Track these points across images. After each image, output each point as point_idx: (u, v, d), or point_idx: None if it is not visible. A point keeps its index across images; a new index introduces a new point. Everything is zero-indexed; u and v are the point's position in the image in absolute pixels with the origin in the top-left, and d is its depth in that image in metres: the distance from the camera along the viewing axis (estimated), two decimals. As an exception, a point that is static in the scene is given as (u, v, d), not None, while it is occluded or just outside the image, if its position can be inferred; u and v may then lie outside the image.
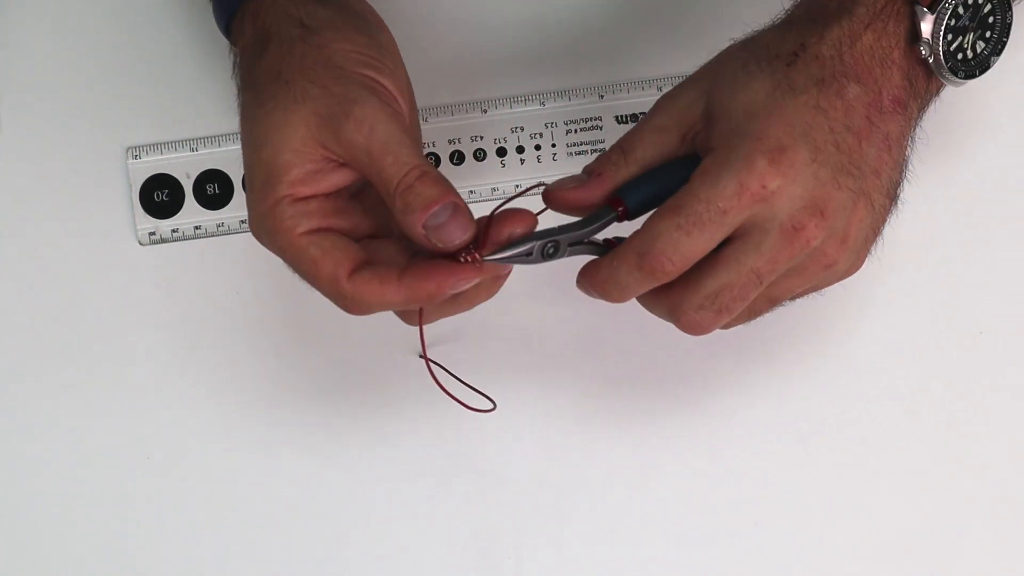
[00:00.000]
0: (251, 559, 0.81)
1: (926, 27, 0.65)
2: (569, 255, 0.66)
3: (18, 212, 0.82)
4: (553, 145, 0.83)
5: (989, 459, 0.81)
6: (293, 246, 0.64)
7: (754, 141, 0.62)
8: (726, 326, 0.67)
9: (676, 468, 0.81)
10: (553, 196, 0.67)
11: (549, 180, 0.82)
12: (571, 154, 0.83)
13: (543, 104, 0.83)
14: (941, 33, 0.65)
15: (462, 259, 0.63)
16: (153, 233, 0.82)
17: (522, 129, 0.83)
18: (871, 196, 0.64)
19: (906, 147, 0.66)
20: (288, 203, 0.63)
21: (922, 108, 0.68)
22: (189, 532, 0.81)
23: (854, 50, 0.64)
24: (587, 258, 0.67)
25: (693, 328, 0.66)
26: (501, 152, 0.83)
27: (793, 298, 0.68)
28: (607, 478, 0.81)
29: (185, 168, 0.82)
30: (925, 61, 0.65)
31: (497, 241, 0.64)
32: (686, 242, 0.62)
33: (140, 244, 0.82)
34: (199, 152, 0.82)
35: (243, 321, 0.82)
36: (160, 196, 0.82)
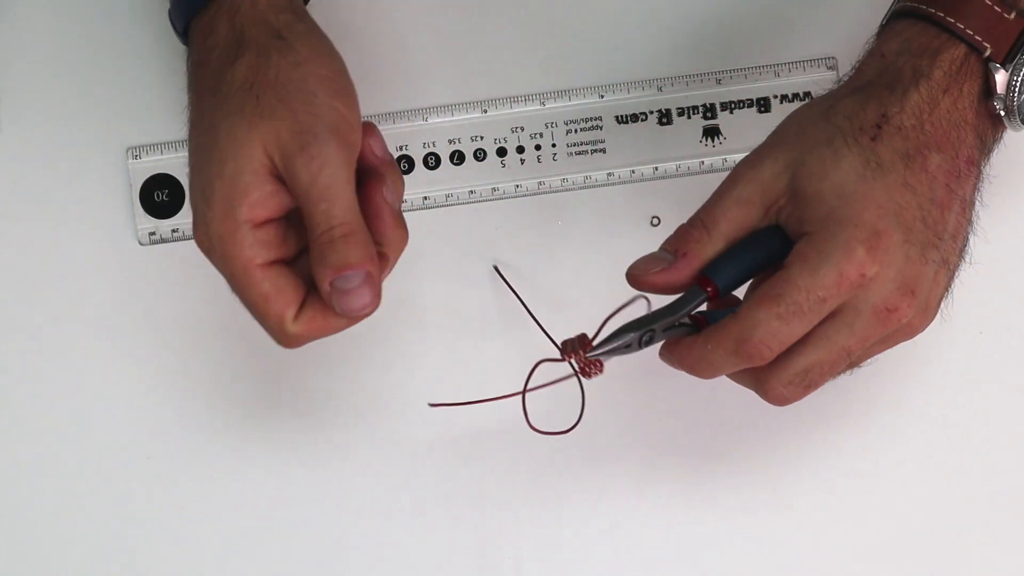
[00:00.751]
0: (251, 559, 0.81)
1: (1000, 81, 0.65)
2: (663, 339, 0.67)
3: (18, 212, 0.82)
4: (553, 145, 0.83)
5: (989, 459, 0.81)
6: (247, 277, 0.64)
7: (851, 228, 0.63)
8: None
9: (676, 468, 0.81)
10: (640, 281, 0.67)
11: (549, 181, 0.83)
12: (571, 154, 0.83)
13: (543, 104, 0.83)
14: (1017, 86, 0.66)
15: (568, 360, 0.66)
16: (153, 233, 0.82)
17: (522, 129, 0.83)
18: (949, 261, 0.66)
19: (976, 202, 0.67)
20: (248, 229, 0.64)
21: (989, 159, 0.68)
22: (189, 532, 0.81)
23: (933, 117, 0.65)
24: None
25: (780, 402, 0.67)
26: (501, 152, 0.83)
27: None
28: (607, 478, 0.81)
29: (185, 168, 0.82)
30: (997, 115, 0.66)
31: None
32: (784, 330, 0.63)
33: (140, 244, 0.82)
34: (199, 152, 0.82)
35: (243, 321, 0.81)
36: (160, 196, 0.82)
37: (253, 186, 0.64)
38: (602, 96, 0.83)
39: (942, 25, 0.65)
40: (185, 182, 0.82)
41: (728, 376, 0.68)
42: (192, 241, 0.82)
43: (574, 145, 0.83)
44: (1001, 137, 0.68)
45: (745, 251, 0.65)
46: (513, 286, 0.81)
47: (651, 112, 0.83)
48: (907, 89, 0.65)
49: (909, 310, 0.64)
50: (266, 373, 0.81)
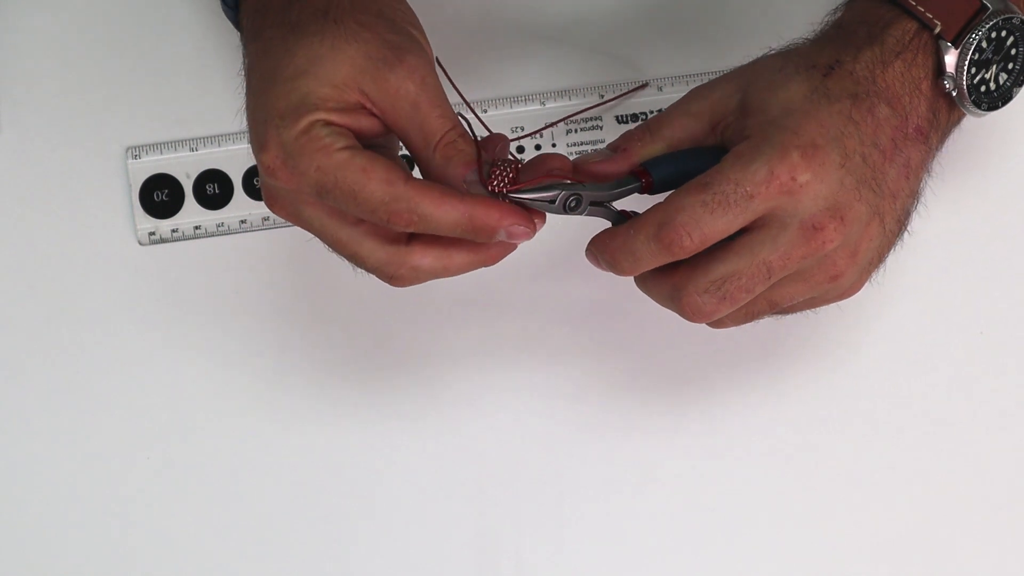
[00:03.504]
0: (251, 559, 0.81)
1: (950, 61, 0.66)
2: (588, 215, 0.66)
3: (18, 212, 0.82)
4: (553, 145, 0.83)
5: (990, 459, 0.81)
6: (335, 160, 0.61)
7: (790, 134, 0.63)
8: (721, 323, 0.67)
9: (676, 468, 0.81)
10: (580, 168, 0.67)
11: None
12: (571, 154, 0.83)
13: (543, 104, 0.83)
14: (965, 67, 0.66)
15: (490, 189, 0.63)
16: (153, 233, 0.82)
17: (522, 129, 0.83)
18: (884, 217, 0.65)
19: (923, 178, 0.67)
20: (323, 124, 0.62)
21: (942, 141, 0.69)
22: (189, 532, 0.81)
23: (886, 74, 0.65)
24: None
25: (693, 311, 0.65)
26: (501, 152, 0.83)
27: (789, 310, 0.69)
28: (607, 478, 0.81)
29: (185, 168, 0.82)
30: (948, 95, 0.66)
31: (536, 175, 0.64)
32: (708, 220, 0.63)
33: (140, 244, 0.82)
34: (199, 152, 0.82)
35: (243, 321, 0.82)
36: (160, 196, 0.82)
37: (331, 97, 0.62)
38: (602, 96, 0.83)
39: (894, 0, 0.66)
40: (185, 182, 0.82)
41: (643, 287, 0.67)
42: (192, 241, 0.82)
43: (574, 145, 0.83)
44: (958, 121, 0.69)
45: (685, 154, 0.66)
46: (511, 283, 0.81)
47: (651, 112, 0.83)
48: (861, 46, 0.66)
49: (836, 235, 0.63)
50: (266, 373, 0.82)
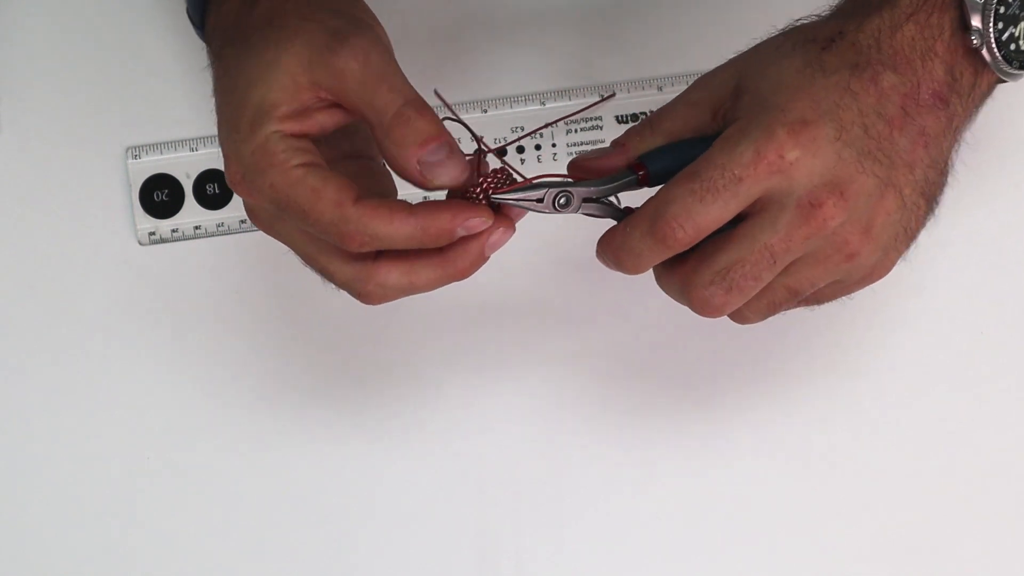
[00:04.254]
0: (251, 559, 0.81)
1: (975, 16, 0.63)
2: (584, 212, 0.65)
3: (18, 212, 0.82)
4: (553, 145, 0.83)
5: (990, 460, 0.81)
6: (288, 178, 0.60)
7: (777, 112, 0.61)
8: (743, 317, 0.65)
9: (676, 468, 0.81)
10: (577, 165, 0.66)
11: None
12: (571, 154, 0.83)
13: (543, 104, 0.83)
14: (991, 20, 0.63)
15: (471, 197, 0.62)
16: (153, 233, 0.82)
17: (522, 128, 0.83)
18: (902, 189, 0.62)
19: (948, 147, 0.64)
20: (279, 137, 0.61)
21: (969, 108, 0.65)
22: (189, 532, 0.81)
23: (894, 40, 0.62)
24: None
25: (702, 306, 0.63)
26: (501, 152, 0.83)
27: (819, 299, 0.66)
28: (607, 478, 0.81)
29: (185, 168, 0.83)
30: (975, 51, 0.63)
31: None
32: (699, 209, 0.61)
33: (140, 244, 0.82)
34: (199, 152, 0.82)
35: (243, 321, 0.82)
36: (160, 196, 0.82)
37: (282, 101, 0.61)
38: (602, 96, 0.83)
39: None
40: (185, 182, 0.82)
41: (658, 283, 0.65)
42: (192, 241, 0.82)
43: (574, 145, 0.83)
44: (989, 89, 0.65)
45: (683, 145, 0.64)
46: (512, 284, 0.81)
47: (651, 111, 0.83)
48: (869, 14, 0.63)
49: (836, 211, 0.61)
50: (266, 373, 0.82)
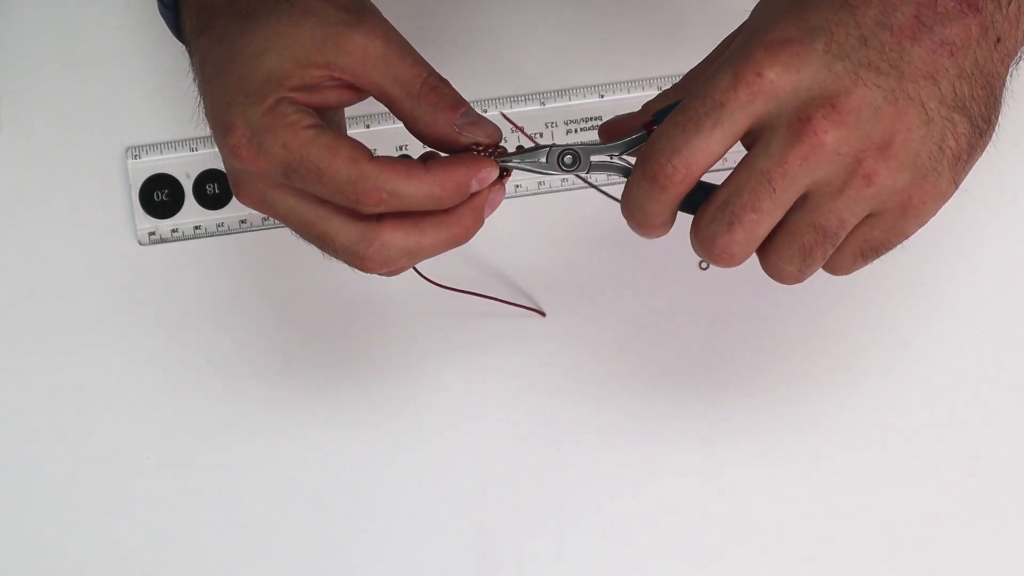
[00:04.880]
0: (251, 559, 0.81)
1: None
2: (594, 172, 0.64)
3: (18, 212, 0.82)
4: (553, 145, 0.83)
5: (990, 460, 0.81)
6: (301, 136, 0.60)
7: (759, 34, 0.58)
8: (778, 270, 0.61)
9: (677, 468, 0.81)
10: (603, 128, 0.66)
11: (549, 181, 0.83)
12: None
13: (543, 104, 0.83)
14: None
15: (480, 151, 0.62)
16: (153, 233, 0.82)
17: (522, 128, 0.83)
18: (925, 103, 0.58)
19: (986, 57, 0.59)
20: (289, 102, 0.61)
21: (1018, 20, 0.59)
22: (188, 532, 0.81)
23: None
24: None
25: (710, 247, 0.60)
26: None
27: (875, 246, 0.61)
28: (607, 478, 0.81)
29: (185, 168, 0.83)
30: None
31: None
32: (684, 140, 0.58)
33: (140, 244, 0.82)
34: (199, 152, 0.82)
35: (243, 321, 0.82)
36: (160, 196, 0.82)
37: (295, 73, 0.61)
38: (602, 96, 0.83)
39: None
40: (185, 182, 0.82)
41: (694, 243, 0.62)
42: (192, 241, 0.82)
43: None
44: None
45: None
46: (511, 281, 0.81)
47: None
48: None
49: (828, 124, 0.57)
50: (266, 373, 0.81)
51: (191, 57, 0.66)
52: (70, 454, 0.81)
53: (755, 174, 0.58)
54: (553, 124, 0.83)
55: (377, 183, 0.60)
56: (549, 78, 0.83)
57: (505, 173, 0.63)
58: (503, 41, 0.83)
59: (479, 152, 0.62)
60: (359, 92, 0.63)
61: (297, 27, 0.61)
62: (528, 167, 0.63)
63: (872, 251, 0.61)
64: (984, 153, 0.61)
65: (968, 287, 0.82)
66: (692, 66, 0.66)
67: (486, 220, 0.63)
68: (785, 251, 0.60)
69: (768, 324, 0.81)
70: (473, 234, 0.63)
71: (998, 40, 0.59)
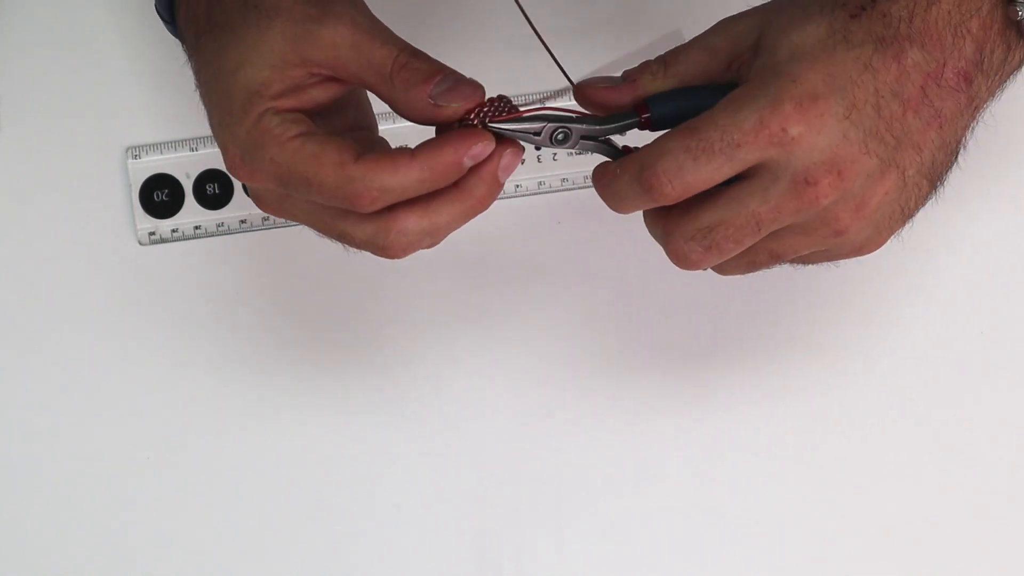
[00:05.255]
0: (251, 559, 0.81)
1: None
2: (581, 150, 0.63)
3: (18, 212, 0.82)
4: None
5: (990, 460, 0.81)
6: (286, 149, 0.60)
7: (788, 82, 0.59)
8: (722, 269, 0.64)
9: (677, 468, 0.81)
10: (581, 91, 0.65)
11: (549, 181, 0.83)
12: (571, 154, 0.83)
13: (543, 104, 0.83)
14: None
15: (467, 124, 0.61)
16: (153, 233, 0.82)
17: (522, 129, 0.83)
18: (905, 170, 0.61)
19: (962, 128, 0.62)
20: (272, 114, 0.60)
21: (994, 87, 0.62)
22: (188, 532, 0.81)
23: (928, 14, 0.60)
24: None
25: (679, 258, 0.62)
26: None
27: (802, 261, 0.65)
28: (607, 478, 0.81)
29: (185, 168, 0.82)
30: (1014, 24, 0.60)
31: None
32: (691, 167, 0.59)
33: (140, 244, 0.82)
34: (199, 152, 0.82)
35: (243, 321, 0.82)
36: (160, 196, 0.82)
37: (274, 80, 0.60)
38: (602, 96, 0.83)
39: None
40: (185, 182, 0.82)
41: (648, 226, 0.64)
42: (192, 241, 0.82)
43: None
44: (1020, 63, 0.62)
45: (692, 92, 0.63)
46: (512, 280, 0.81)
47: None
48: None
49: (831, 191, 0.59)
50: (266, 373, 0.82)
51: (193, 74, 0.66)
52: (70, 454, 0.81)
53: (747, 213, 0.60)
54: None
55: (365, 183, 0.59)
56: (549, 78, 0.83)
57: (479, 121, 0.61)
58: (504, 41, 0.83)
59: (473, 121, 0.61)
60: (344, 83, 0.62)
61: (267, 32, 0.61)
62: (519, 133, 0.62)
63: (800, 263, 0.65)
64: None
65: (969, 287, 0.82)
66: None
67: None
68: (736, 264, 0.63)
69: (769, 324, 0.81)
70: (491, 200, 0.62)
71: (975, 109, 0.62)
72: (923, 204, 0.63)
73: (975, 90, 0.61)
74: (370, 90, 0.62)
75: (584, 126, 0.62)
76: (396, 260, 0.63)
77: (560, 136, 0.62)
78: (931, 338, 0.82)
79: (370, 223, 0.62)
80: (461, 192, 0.61)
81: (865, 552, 0.81)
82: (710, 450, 0.81)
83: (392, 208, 0.61)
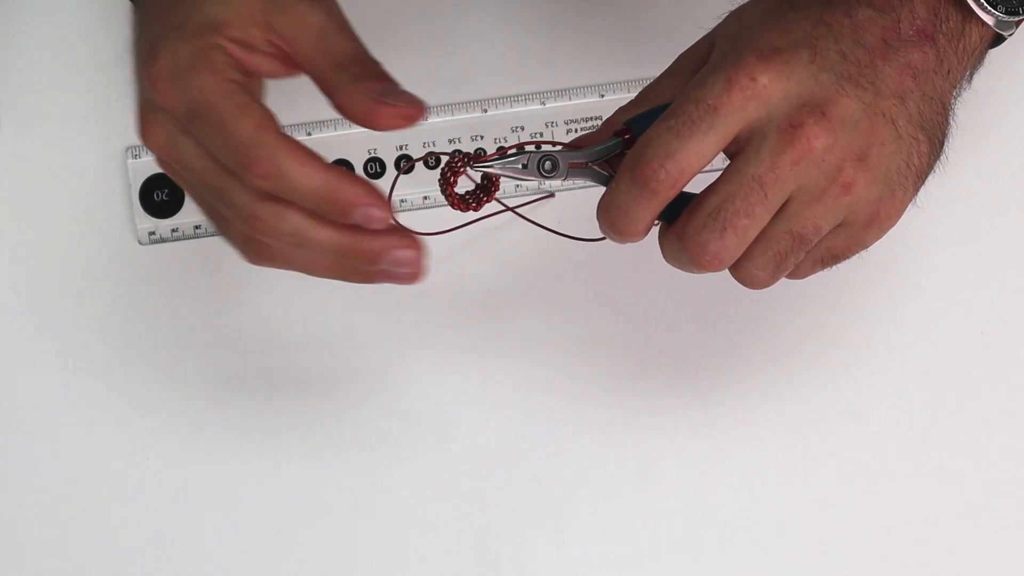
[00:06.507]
0: (251, 560, 0.81)
1: None
2: (572, 178, 0.64)
3: (18, 212, 0.82)
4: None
5: (991, 460, 0.81)
6: (220, 85, 0.59)
7: (747, 44, 0.60)
8: (750, 275, 0.62)
9: (677, 468, 0.81)
10: (569, 145, 0.65)
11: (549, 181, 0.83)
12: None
13: (543, 104, 0.83)
14: None
15: (453, 167, 0.62)
16: (153, 233, 0.82)
17: (522, 129, 0.83)
18: (894, 120, 0.61)
19: (941, 86, 0.62)
20: (221, 51, 0.60)
21: (962, 57, 0.63)
22: (188, 533, 0.81)
23: None
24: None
25: (700, 254, 0.61)
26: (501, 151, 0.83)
27: (835, 255, 0.64)
28: (607, 478, 0.81)
29: (185, 168, 0.82)
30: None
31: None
32: (677, 145, 0.60)
33: (140, 244, 0.82)
34: (199, 152, 0.82)
35: (243, 321, 0.82)
36: (160, 196, 0.82)
37: (234, 24, 0.60)
38: (602, 96, 0.83)
39: None
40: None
41: (662, 252, 0.63)
42: (192, 241, 0.82)
43: (574, 145, 0.83)
44: (980, 42, 0.63)
45: (668, 107, 0.63)
46: (511, 279, 0.81)
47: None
48: None
49: (819, 130, 0.59)
50: (266, 373, 0.82)
51: (133, 11, 0.66)
52: (70, 454, 0.81)
53: (747, 180, 0.60)
54: (553, 124, 0.83)
55: (271, 154, 0.59)
56: (549, 78, 0.83)
57: (476, 203, 0.63)
58: (503, 41, 0.83)
59: (458, 167, 0.62)
60: (290, 67, 0.62)
61: None
62: (508, 173, 0.63)
63: (832, 259, 0.64)
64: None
65: (969, 287, 0.82)
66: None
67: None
68: (760, 258, 0.62)
69: (769, 323, 0.81)
70: (360, 276, 0.62)
71: (948, 72, 0.62)
72: (930, 164, 0.63)
73: (941, 49, 0.62)
74: (314, 76, 0.62)
75: (570, 154, 0.63)
76: (258, 267, 0.63)
77: (548, 165, 0.63)
78: (931, 338, 0.82)
79: (252, 192, 0.60)
80: (347, 230, 0.60)
81: (866, 552, 0.81)
82: (710, 450, 0.81)
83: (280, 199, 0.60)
